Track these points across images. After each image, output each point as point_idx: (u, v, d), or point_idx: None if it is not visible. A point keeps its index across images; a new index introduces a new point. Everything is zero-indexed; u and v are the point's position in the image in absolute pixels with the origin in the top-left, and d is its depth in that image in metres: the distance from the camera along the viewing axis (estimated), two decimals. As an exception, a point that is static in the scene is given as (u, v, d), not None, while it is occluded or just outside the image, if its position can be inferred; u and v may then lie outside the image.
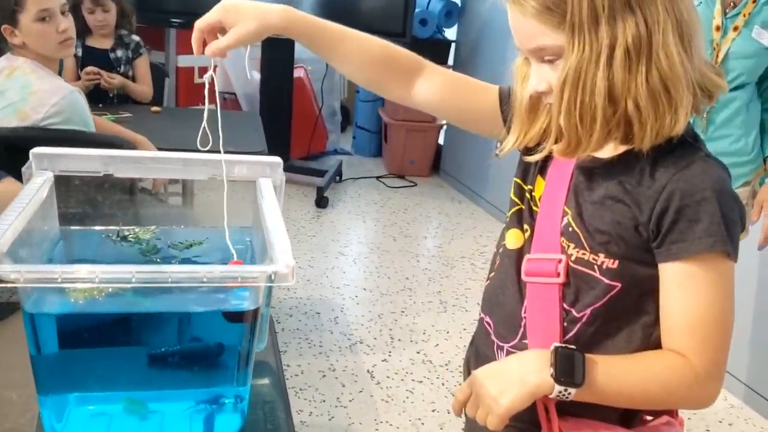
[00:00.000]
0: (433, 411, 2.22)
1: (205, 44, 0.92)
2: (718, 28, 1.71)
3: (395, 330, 2.73)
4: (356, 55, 0.97)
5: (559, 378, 0.78)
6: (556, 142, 0.83)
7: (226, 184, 0.93)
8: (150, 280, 0.70)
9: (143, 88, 3.01)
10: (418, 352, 2.58)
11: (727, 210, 0.78)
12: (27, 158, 0.95)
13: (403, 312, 2.88)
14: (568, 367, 0.78)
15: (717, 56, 1.72)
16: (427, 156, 4.73)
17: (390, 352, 2.56)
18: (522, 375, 0.80)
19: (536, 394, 0.80)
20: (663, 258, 0.80)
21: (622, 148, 0.82)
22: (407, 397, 2.29)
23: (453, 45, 4.55)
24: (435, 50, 4.46)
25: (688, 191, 0.78)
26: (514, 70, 0.91)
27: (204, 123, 0.90)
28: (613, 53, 0.75)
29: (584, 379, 0.78)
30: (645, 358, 0.83)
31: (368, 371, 2.42)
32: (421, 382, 2.38)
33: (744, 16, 1.70)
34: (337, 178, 4.44)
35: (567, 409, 0.84)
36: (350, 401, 2.24)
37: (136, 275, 0.69)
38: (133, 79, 3.00)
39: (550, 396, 0.79)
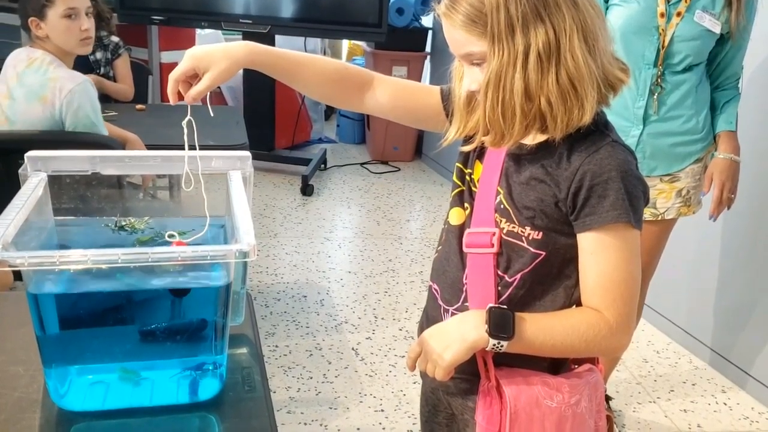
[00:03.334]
0: (414, 383, 2.34)
1: (180, 93, 1.01)
2: (662, 15, 1.82)
3: (378, 309, 2.85)
4: (313, 77, 1.08)
5: (492, 333, 0.90)
6: (486, 134, 0.96)
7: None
8: (134, 261, 0.82)
9: (122, 86, 3.06)
10: (400, 329, 2.71)
11: (630, 187, 0.91)
12: (16, 159, 1.06)
13: (386, 292, 3.01)
14: (500, 323, 0.91)
15: (664, 41, 1.83)
16: (410, 141, 4.83)
17: (374, 330, 2.69)
18: (462, 333, 0.93)
19: (474, 348, 0.92)
20: (579, 229, 0.93)
21: (541, 137, 0.95)
22: (390, 371, 2.42)
23: (430, 32, 4.62)
24: (412, 38, 4.55)
25: (596, 172, 0.90)
26: (453, 71, 1.03)
27: (186, 167, 1.01)
28: (527, 58, 0.87)
29: (514, 333, 0.90)
30: (566, 314, 0.96)
31: (353, 349, 2.55)
32: (402, 356, 2.50)
33: (686, 2, 1.81)
34: (322, 165, 4.53)
35: (503, 361, 0.97)
36: (336, 377, 2.36)
37: (122, 257, 0.81)
38: (114, 80, 3.07)
39: (486, 349, 0.92)
